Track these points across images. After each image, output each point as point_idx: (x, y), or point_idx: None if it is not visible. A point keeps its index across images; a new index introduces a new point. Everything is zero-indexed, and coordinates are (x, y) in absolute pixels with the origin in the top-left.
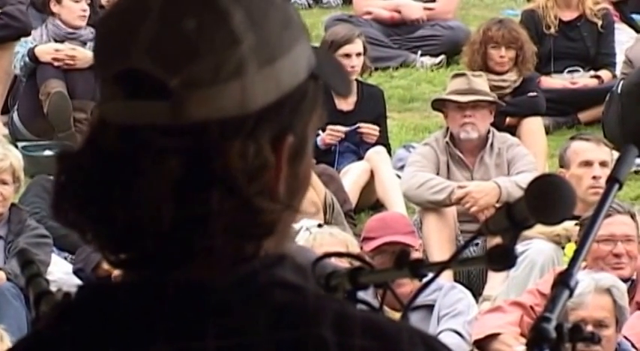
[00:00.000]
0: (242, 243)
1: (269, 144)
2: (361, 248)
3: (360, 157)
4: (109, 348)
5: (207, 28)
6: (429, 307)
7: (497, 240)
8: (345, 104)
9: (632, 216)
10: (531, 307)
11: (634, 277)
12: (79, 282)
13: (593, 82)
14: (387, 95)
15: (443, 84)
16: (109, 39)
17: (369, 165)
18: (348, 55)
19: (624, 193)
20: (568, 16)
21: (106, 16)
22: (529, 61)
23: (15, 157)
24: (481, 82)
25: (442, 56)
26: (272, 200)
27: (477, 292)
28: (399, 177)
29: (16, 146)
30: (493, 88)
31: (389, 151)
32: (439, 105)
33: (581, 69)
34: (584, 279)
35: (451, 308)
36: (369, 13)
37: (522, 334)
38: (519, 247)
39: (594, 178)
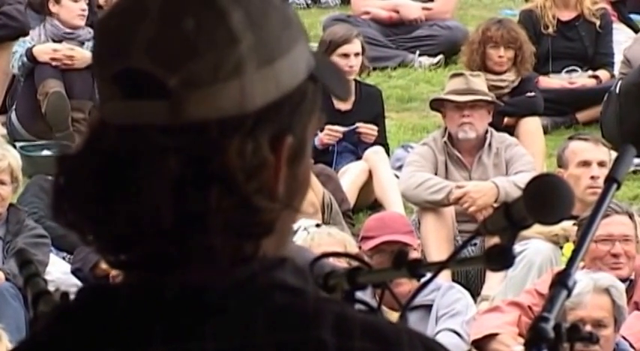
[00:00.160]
0: (241, 242)
1: (268, 143)
2: (360, 247)
3: (359, 157)
4: (108, 350)
5: (205, 28)
6: (427, 307)
7: (495, 240)
8: (343, 104)
9: (631, 216)
10: (529, 307)
11: (632, 277)
12: (77, 282)
13: (591, 82)
14: (386, 95)
15: (441, 84)
16: (107, 39)
17: (368, 165)
18: (346, 55)
19: (622, 192)
20: (566, 16)
21: (105, 17)
22: (528, 61)
23: (13, 157)
24: (479, 82)
25: (440, 56)
26: (271, 199)
27: (475, 292)
28: (397, 177)
29: (14, 146)
30: (491, 87)
31: (387, 151)
32: (437, 105)
33: (579, 69)
34: (583, 279)
35: (449, 308)
36: (367, 13)
37: (520, 334)
38: (517, 247)
39: (592, 178)
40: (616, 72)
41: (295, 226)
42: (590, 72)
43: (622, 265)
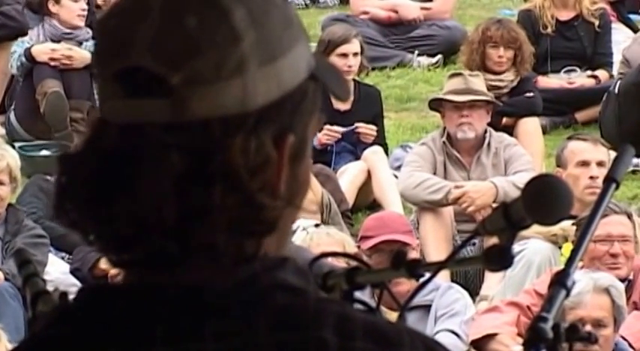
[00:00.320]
0: (243, 240)
1: (271, 141)
2: (359, 247)
3: (357, 157)
4: (109, 350)
5: (208, 25)
6: (426, 308)
7: (494, 240)
8: (342, 104)
9: (629, 216)
10: (528, 307)
11: (631, 277)
12: (76, 282)
13: (590, 82)
14: (384, 95)
15: (440, 84)
16: (109, 38)
17: (366, 165)
18: (345, 55)
19: (621, 192)
20: (565, 15)
21: (106, 16)
22: (527, 61)
23: (12, 157)
24: (478, 81)
25: (439, 56)
26: (273, 197)
27: (473, 292)
28: (396, 177)
29: (13, 146)
30: (490, 87)
31: (386, 151)
32: (436, 105)
33: (578, 69)
34: (583, 278)
35: (448, 308)
36: (366, 12)
37: (519, 334)
38: (516, 247)
39: (591, 178)
40: (615, 72)
41: (294, 226)
42: (589, 72)
43: (621, 265)
